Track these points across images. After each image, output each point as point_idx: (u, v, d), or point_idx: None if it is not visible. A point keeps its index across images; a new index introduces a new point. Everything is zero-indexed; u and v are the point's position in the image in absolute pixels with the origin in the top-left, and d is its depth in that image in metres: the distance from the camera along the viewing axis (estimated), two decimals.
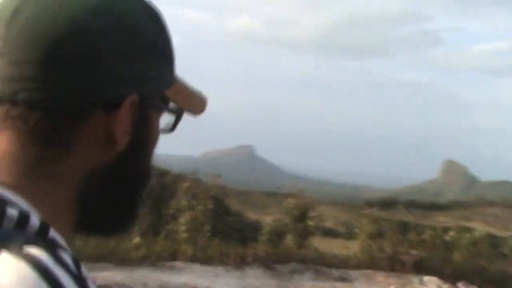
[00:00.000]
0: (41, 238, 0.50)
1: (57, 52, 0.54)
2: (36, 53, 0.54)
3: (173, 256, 10.78)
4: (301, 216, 14.16)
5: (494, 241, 23.03)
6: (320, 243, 17.17)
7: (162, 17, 0.65)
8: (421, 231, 19.30)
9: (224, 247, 11.73)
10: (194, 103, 0.70)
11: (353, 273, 11.71)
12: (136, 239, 11.20)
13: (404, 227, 25.67)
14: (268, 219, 16.77)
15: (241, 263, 11.05)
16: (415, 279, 11.38)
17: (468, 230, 20.24)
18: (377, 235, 14.51)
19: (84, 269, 0.50)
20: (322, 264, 11.91)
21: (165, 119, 0.68)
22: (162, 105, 0.65)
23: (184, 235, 12.08)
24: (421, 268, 12.08)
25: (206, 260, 10.91)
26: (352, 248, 15.52)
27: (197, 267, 10.43)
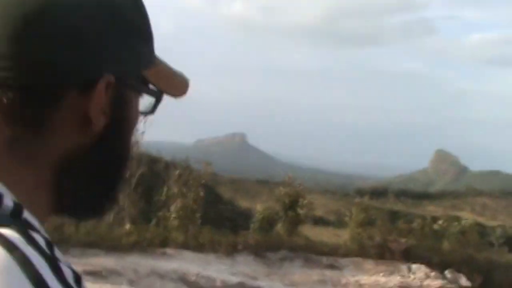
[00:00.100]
0: (14, 219, 0.50)
1: (28, 29, 0.53)
2: (7, 29, 0.53)
3: (164, 243, 10.82)
4: (292, 204, 14.22)
5: (482, 231, 23.28)
6: (310, 231, 17.26)
7: None
8: (411, 220, 19.45)
9: (215, 234, 11.78)
10: (175, 85, 0.68)
11: (342, 261, 11.82)
12: (127, 226, 11.23)
13: (394, 216, 25.89)
14: (259, 207, 16.80)
15: (232, 250, 11.11)
16: (403, 267, 11.51)
17: (457, 219, 20.39)
18: (367, 223, 14.61)
19: (57, 251, 0.50)
20: (312, 252, 12.00)
21: (145, 100, 0.66)
22: (141, 86, 0.63)
23: (175, 222, 12.11)
24: (409, 256, 12.21)
25: (197, 247, 10.96)
26: (342, 236, 15.62)
27: (188, 254, 10.49)
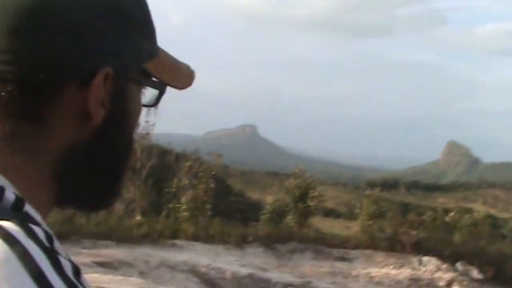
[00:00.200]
0: (16, 212, 0.50)
1: (26, 23, 0.53)
2: (6, 23, 0.53)
3: (174, 234, 10.87)
4: (302, 196, 14.22)
5: (494, 222, 23.15)
6: (321, 223, 17.28)
7: None
8: (422, 212, 19.39)
9: (225, 226, 11.81)
10: (179, 77, 0.68)
11: (353, 253, 11.79)
12: (138, 217, 11.29)
13: (405, 208, 25.80)
14: (269, 199, 16.83)
15: (242, 242, 11.13)
16: (414, 259, 11.46)
17: (469, 211, 20.29)
18: (378, 215, 14.58)
19: (58, 244, 0.50)
20: (322, 244, 11.99)
21: (149, 93, 0.66)
22: (142, 79, 0.63)
23: (186, 214, 12.16)
24: (420, 248, 12.15)
25: (207, 239, 10.99)
26: (353, 228, 15.61)
27: (198, 245, 10.52)
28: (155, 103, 0.67)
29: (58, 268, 0.47)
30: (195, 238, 10.93)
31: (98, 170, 0.61)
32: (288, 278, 8.94)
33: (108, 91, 0.57)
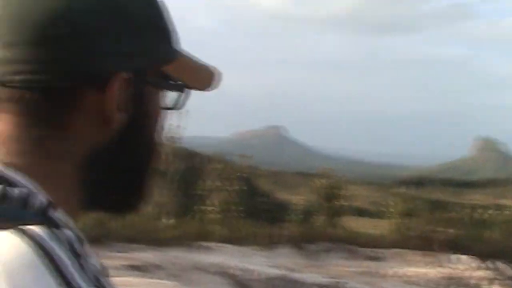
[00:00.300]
0: (42, 216, 0.52)
1: (45, 33, 0.55)
2: (26, 35, 0.55)
3: (204, 236, 10.92)
4: (331, 195, 14.16)
5: None
6: (351, 223, 17.14)
7: None
8: (453, 210, 19.09)
9: (254, 227, 11.82)
10: (201, 78, 0.69)
11: (384, 252, 11.67)
12: (168, 220, 11.39)
13: (435, 206, 25.40)
14: (298, 199, 16.79)
15: (271, 243, 11.12)
16: (446, 258, 11.29)
17: (501, 208, 19.90)
18: (409, 214, 14.42)
19: (84, 247, 0.52)
20: (353, 243, 11.90)
21: (173, 95, 0.67)
22: (160, 81, 0.64)
23: (215, 215, 12.22)
24: (452, 246, 11.97)
25: (236, 240, 11.02)
26: (383, 227, 15.46)
27: (228, 247, 10.54)
28: (177, 105, 0.67)
29: (82, 270, 0.49)
30: (224, 240, 10.97)
31: (121, 172, 0.62)
32: (319, 278, 8.89)
33: (126, 95, 0.59)
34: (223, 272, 8.34)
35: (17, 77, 0.56)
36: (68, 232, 0.51)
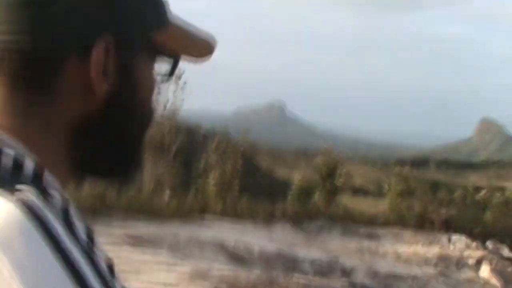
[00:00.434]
0: (35, 181, 0.52)
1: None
2: (5, 0, 0.55)
3: (203, 211, 11.00)
4: (330, 173, 14.17)
5: None
6: (349, 201, 17.22)
7: None
8: (453, 190, 19.14)
9: (253, 203, 11.88)
10: (195, 46, 0.66)
11: (381, 230, 11.76)
12: (167, 194, 11.45)
13: (435, 186, 25.48)
14: (297, 177, 16.81)
15: (269, 219, 11.20)
16: (443, 238, 11.38)
17: (501, 190, 19.94)
18: (407, 193, 14.47)
19: (75, 211, 0.52)
20: (350, 221, 11.98)
21: (165, 63, 0.66)
22: (151, 49, 0.62)
23: (214, 191, 12.26)
24: (450, 226, 12.05)
25: (235, 216, 11.10)
26: (381, 206, 15.54)
27: (226, 222, 10.63)
28: (170, 73, 0.67)
29: (72, 233, 0.49)
30: (223, 214, 11.05)
31: (110, 141, 0.61)
32: (316, 255, 8.98)
33: (112, 62, 0.57)
34: (221, 246, 8.43)
35: None
36: (61, 197, 0.51)
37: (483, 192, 17.55)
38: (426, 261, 9.71)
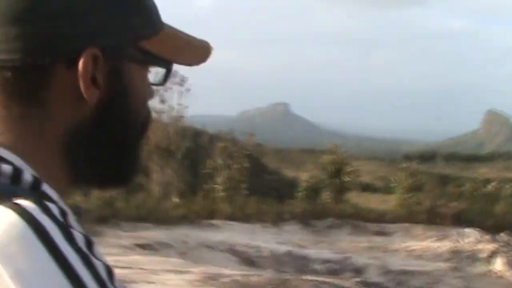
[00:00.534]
0: (34, 192, 0.53)
1: (12, 12, 0.56)
2: None
3: (211, 214, 10.98)
4: (337, 171, 14.15)
5: None
6: (358, 198, 17.18)
7: None
8: (462, 184, 19.08)
9: (261, 204, 11.86)
10: (187, 53, 0.67)
11: (391, 227, 11.70)
12: (175, 199, 11.45)
13: (444, 180, 25.38)
14: (304, 176, 16.79)
15: (278, 219, 11.17)
16: (454, 232, 11.30)
17: (510, 181, 19.84)
18: (416, 188, 14.42)
19: (72, 218, 0.52)
20: (359, 219, 11.93)
21: (159, 71, 0.66)
22: (140, 57, 0.62)
23: (222, 194, 12.26)
24: (460, 220, 11.98)
25: (243, 218, 11.07)
26: (390, 202, 15.48)
27: (235, 225, 10.60)
28: (162, 81, 0.67)
29: (71, 241, 0.49)
30: (232, 217, 11.03)
31: (104, 148, 0.62)
32: (326, 254, 8.94)
33: (101, 70, 0.58)
34: (231, 250, 8.40)
35: None
36: (59, 208, 0.52)
37: (492, 184, 17.46)
38: (438, 256, 9.64)
